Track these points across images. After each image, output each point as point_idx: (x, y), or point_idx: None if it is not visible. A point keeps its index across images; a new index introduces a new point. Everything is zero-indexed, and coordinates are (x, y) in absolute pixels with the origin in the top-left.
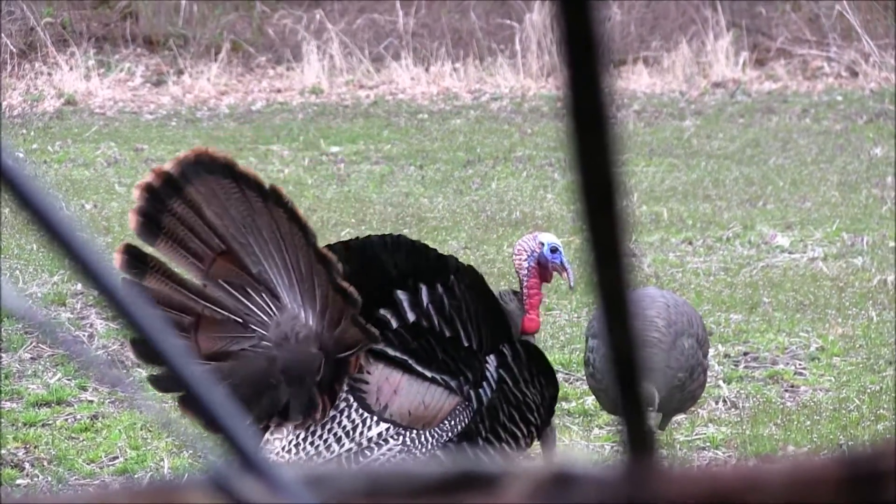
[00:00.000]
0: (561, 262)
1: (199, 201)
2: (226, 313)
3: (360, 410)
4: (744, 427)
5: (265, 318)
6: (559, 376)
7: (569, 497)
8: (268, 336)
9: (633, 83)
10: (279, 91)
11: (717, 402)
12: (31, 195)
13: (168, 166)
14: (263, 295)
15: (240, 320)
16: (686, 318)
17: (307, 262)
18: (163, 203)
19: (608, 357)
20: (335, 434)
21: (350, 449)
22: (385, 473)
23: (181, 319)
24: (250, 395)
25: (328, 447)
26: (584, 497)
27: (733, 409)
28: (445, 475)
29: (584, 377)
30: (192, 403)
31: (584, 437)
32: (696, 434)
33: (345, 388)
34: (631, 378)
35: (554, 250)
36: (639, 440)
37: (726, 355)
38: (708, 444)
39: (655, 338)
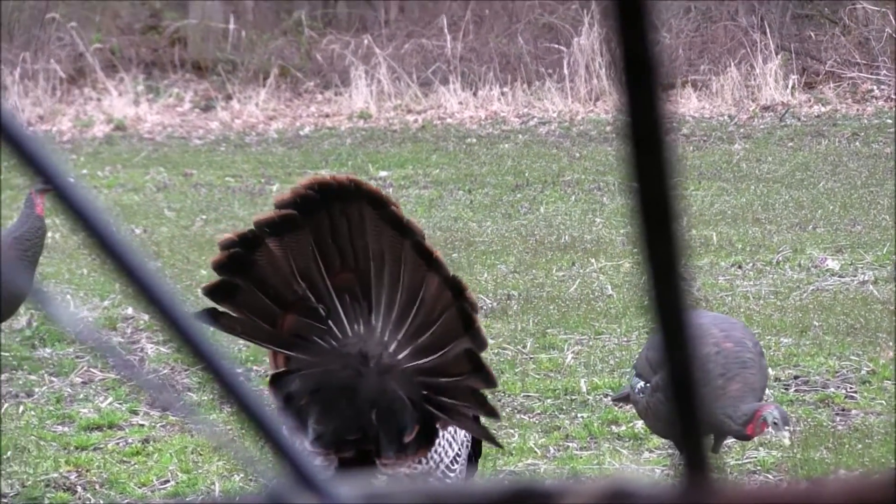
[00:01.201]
0: None
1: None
2: (315, 304)
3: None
4: (795, 451)
5: (350, 333)
6: (607, 400)
7: None
8: (349, 352)
9: (682, 107)
10: (327, 116)
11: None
12: (88, 217)
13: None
14: (355, 310)
15: (323, 327)
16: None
17: (417, 283)
18: (308, 210)
19: (667, 379)
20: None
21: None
22: (443, 491)
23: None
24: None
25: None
26: None
27: (755, 437)
28: (504, 492)
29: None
30: (247, 420)
31: (634, 461)
32: (747, 457)
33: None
34: (689, 399)
35: None
36: (696, 461)
37: (777, 379)
38: (759, 467)
39: (749, 358)
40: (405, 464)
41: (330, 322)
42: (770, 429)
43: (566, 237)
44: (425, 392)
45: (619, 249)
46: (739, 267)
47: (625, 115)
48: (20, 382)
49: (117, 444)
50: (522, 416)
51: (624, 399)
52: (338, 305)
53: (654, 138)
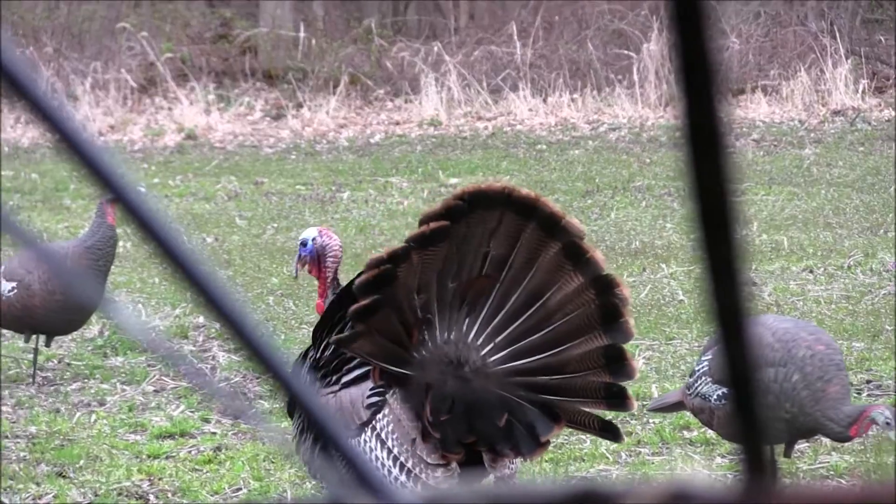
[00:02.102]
0: (308, 253)
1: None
2: (428, 316)
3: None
4: (867, 455)
5: (440, 340)
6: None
7: None
8: (447, 359)
9: (752, 112)
10: (398, 123)
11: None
12: (155, 227)
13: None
14: (455, 317)
15: (426, 337)
16: None
17: (544, 284)
18: (457, 217)
19: (727, 381)
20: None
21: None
22: (506, 493)
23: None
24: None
25: None
26: None
27: (857, 438)
28: (566, 494)
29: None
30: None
31: (706, 466)
32: (820, 462)
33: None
34: (749, 402)
35: (303, 244)
36: (757, 462)
37: (850, 383)
38: (832, 472)
39: (841, 360)
40: (514, 463)
41: (433, 329)
42: (880, 429)
43: (637, 243)
44: (533, 392)
45: (689, 255)
46: (811, 271)
47: (684, 120)
48: (92, 391)
49: (189, 452)
50: None
51: (667, 408)
52: (446, 314)
53: (714, 143)
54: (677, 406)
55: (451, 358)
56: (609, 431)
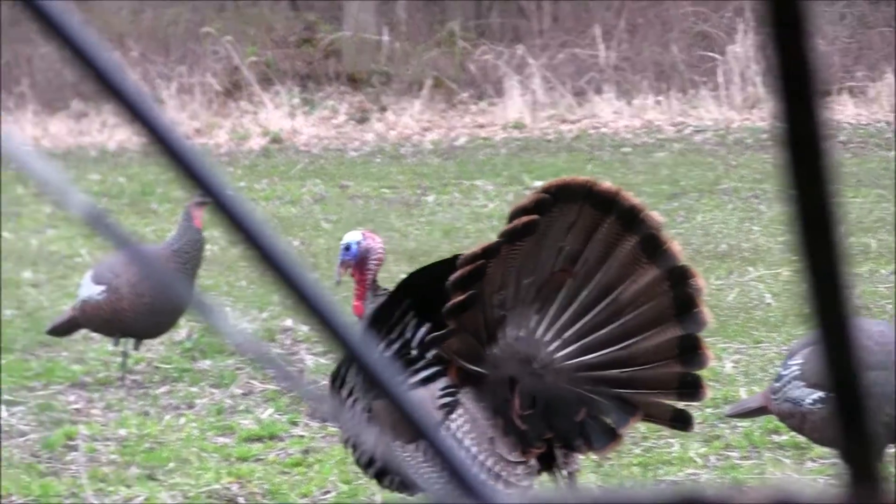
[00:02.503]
0: (352, 256)
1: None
2: (505, 312)
3: None
4: None
5: (509, 336)
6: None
7: None
8: (505, 356)
9: (839, 114)
10: (482, 126)
11: None
12: (249, 229)
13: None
14: (528, 314)
15: (496, 335)
16: None
17: (618, 277)
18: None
19: (830, 385)
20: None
21: None
22: (606, 497)
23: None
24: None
25: None
26: None
27: None
28: (669, 498)
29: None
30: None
31: (797, 471)
32: None
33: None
34: (855, 407)
35: (347, 248)
36: (863, 467)
37: None
38: None
39: None
40: (599, 454)
41: (506, 328)
42: None
43: (723, 246)
44: (604, 385)
45: (777, 257)
46: None
47: (782, 122)
48: (181, 394)
49: (278, 455)
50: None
51: (749, 413)
52: (518, 311)
53: (813, 146)
54: (759, 411)
55: (521, 355)
56: (680, 420)
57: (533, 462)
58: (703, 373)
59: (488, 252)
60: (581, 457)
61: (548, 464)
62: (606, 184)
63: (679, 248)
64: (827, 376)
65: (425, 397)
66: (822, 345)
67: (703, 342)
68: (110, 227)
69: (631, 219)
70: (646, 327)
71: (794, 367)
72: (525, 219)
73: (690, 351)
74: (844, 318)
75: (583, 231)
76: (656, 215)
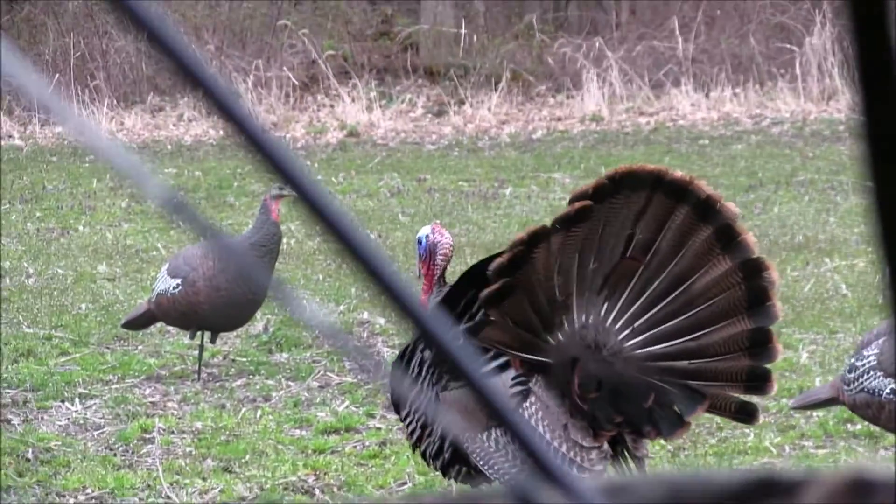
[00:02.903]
0: (423, 250)
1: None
2: (562, 298)
3: None
4: None
5: (577, 323)
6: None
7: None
8: (572, 341)
9: None
10: (559, 119)
11: None
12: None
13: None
14: (592, 301)
15: (561, 320)
16: None
17: (691, 268)
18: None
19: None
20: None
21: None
22: (684, 481)
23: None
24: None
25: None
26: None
27: None
28: (745, 481)
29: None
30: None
31: (871, 459)
32: None
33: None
34: None
35: (419, 242)
36: None
37: None
38: None
39: None
40: (668, 440)
41: (572, 314)
42: None
43: (800, 237)
44: (673, 375)
45: (853, 248)
46: None
47: (861, 114)
48: (257, 387)
49: (354, 447)
50: None
51: (817, 405)
52: (584, 297)
53: (892, 138)
54: (829, 402)
55: (588, 342)
56: (746, 413)
57: (605, 447)
58: (778, 363)
59: (535, 238)
60: (649, 443)
61: (618, 449)
62: (679, 173)
63: (754, 239)
64: None
65: (500, 386)
66: None
67: (774, 336)
68: (192, 215)
69: (706, 209)
70: (717, 319)
71: (871, 357)
72: (578, 205)
73: (761, 344)
74: None
75: (655, 219)
76: (732, 206)
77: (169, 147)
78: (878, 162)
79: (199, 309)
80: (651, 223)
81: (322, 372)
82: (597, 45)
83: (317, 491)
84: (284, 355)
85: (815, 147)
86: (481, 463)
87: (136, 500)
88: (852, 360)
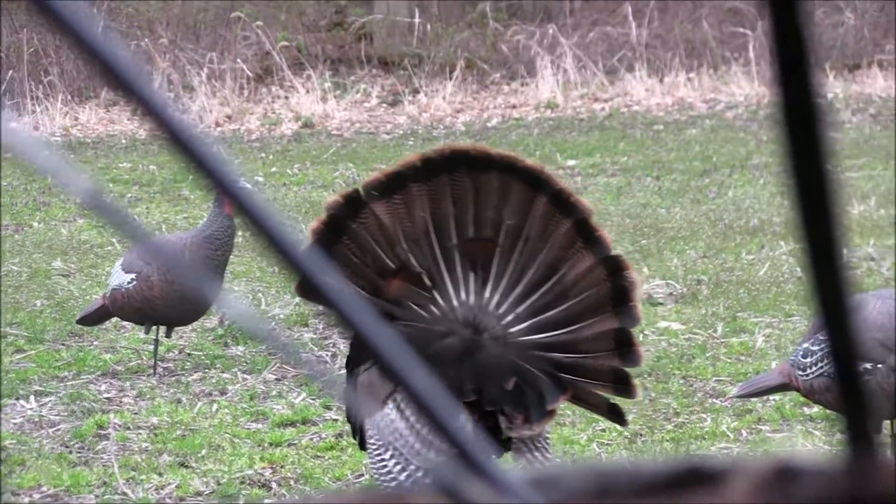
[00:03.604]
0: None
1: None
2: (420, 271)
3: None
4: None
5: (456, 302)
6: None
7: (794, 492)
8: (454, 320)
9: (869, 87)
10: (514, 107)
11: None
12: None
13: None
14: (468, 279)
15: (427, 295)
16: None
17: (560, 260)
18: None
19: (830, 356)
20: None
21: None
22: (613, 472)
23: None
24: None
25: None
26: (809, 492)
27: None
28: (673, 472)
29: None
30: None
31: (828, 443)
32: None
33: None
34: (851, 374)
35: None
36: (862, 436)
37: None
38: None
39: None
40: (529, 428)
41: (434, 290)
42: None
43: (755, 220)
44: (547, 365)
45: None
46: None
47: (779, 98)
48: (213, 381)
49: (311, 439)
50: (714, 400)
51: (765, 392)
52: (445, 274)
53: (809, 122)
54: (779, 389)
55: (467, 321)
56: (615, 414)
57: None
58: (734, 347)
59: (350, 201)
60: (532, 427)
61: (492, 431)
62: (530, 161)
63: (609, 237)
64: (828, 349)
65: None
66: (822, 318)
67: (635, 339)
68: (115, 213)
69: (562, 202)
70: (587, 314)
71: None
72: (389, 170)
73: (626, 345)
74: (842, 291)
75: (519, 206)
76: (585, 201)
77: (124, 141)
78: (795, 146)
79: (153, 303)
80: (516, 210)
81: (278, 364)
82: (550, 32)
83: (273, 484)
84: (240, 348)
85: (770, 130)
86: (371, 450)
87: (91, 497)
88: (806, 344)
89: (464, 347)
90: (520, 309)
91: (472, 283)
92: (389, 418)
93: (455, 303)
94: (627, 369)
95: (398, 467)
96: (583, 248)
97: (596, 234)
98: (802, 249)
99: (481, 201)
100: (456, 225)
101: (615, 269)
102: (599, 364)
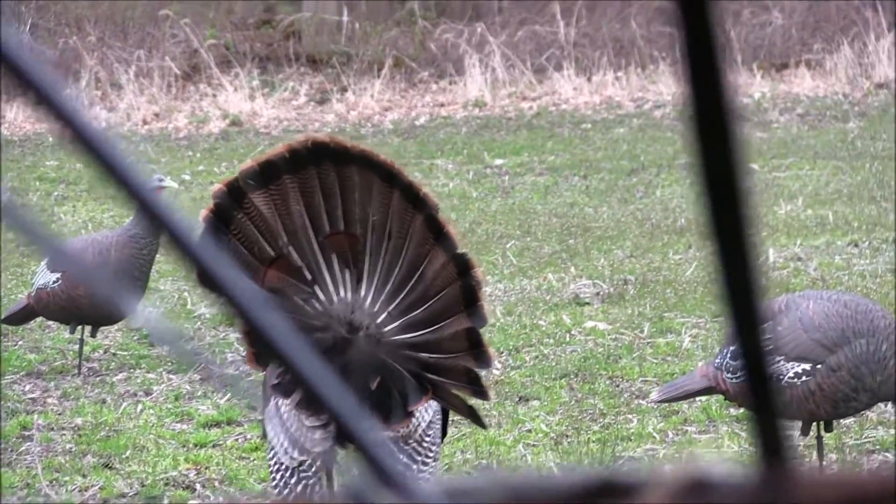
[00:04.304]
0: None
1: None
2: (301, 264)
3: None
4: None
5: (336, 299)
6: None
7: (707, 502)
8: (332, 316)
9: (796, 86)
10: (442, 105)
11: (886, 405)
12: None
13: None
14: (344, 276)
15: (308, 289)
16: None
17: (420, 257)
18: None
19: (741, 362)
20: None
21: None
22: (525, 483)
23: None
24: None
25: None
26: (722, 502)
27: None
28: (586, 483)
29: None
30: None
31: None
32: (866, 437)
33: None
34: (763, 382)
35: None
36: (774, 445)
37: None
38: (878, 446)
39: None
40: (390, 428)
41: (315, 285)
42: None
43: (682, 220)
44: (415, 365)
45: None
46: (856, 245)
47: (689, 99)
48: (138, 381)
49: (236, 440)
50: (640, 401)
51: (689, 396)
52: (323, 268)
53: (720, 124)
54: (703, 392)
55: (344, 319)
56: (474, 416)
57: (332, 427)
58: (661, 348)
59: (232, 190)
60: (394, 426)
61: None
62: (382, 156)
63: (456, 233)
64: (740, 355)
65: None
66: (732, 322)
67: (484, 340)
68: (22, 219)
69: (414, 196)
70: (446, 314)
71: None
72: (261, 158)
73: (477, 346)
74: (753, 295)
75: (380, 202)
76: (432, 196)
77: (50, 139)
78: (705, 146)
79: (78, 303)
80: (378, 205)
81: (203, 365)
82: (479, 30)
83: (198, 485)
84: (166, 348)
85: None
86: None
87: (14, 499)
88: (735, 346)
89: (335, 344)
90: (391, 307)
91: (349, 279)
92: (272, 413)
93: (335, 299)
94: (481, 370)
95: (280, 461)
96: (435, 245)
97: (444, 230)
98: (713, 251)
99: (347, 196)
100: (329, 219)
101: (464, 267)
102: (457, 364)
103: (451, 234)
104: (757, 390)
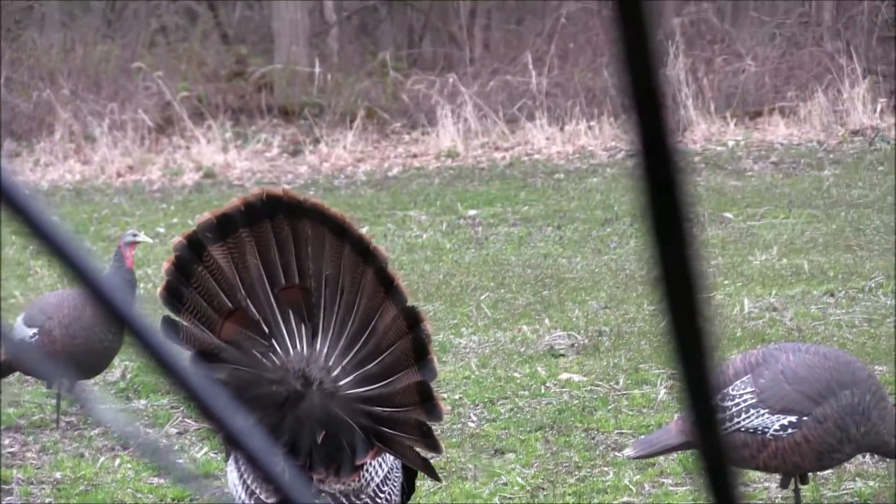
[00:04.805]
0: None
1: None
2: (258, 317)
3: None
4: (893, 480)
5: (292, 352)
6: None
7: None
8: (288, 370)
9: (770, 134)
10: (415, 156)
11: (864, 456)
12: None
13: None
14: (300, 329)
15: (265, 343)
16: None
17: (372, 310)
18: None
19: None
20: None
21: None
22: None
23: (214, 308)
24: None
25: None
26: None
27: (881, 463)
28: None
29: None
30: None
31: None
32: (844, 489)
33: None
34: (713, 437)
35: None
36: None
37: None
38: (856, 498)
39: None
40: (340, 482)
41: (272, 338)
42: None
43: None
44: (367, 419)
45: (710, 281)
46: (832, 295)
47: (635, 146)
48: (115, 435)
49: (213, 494)
50: (616, 453)
51: (668, 451)
52: (280, 322)
53: (665, 169)
54: (681, 447)
55: (300, 373)
56: (428, 470)
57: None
58: (636, 399)
59: (191, 242)
60: (342, 480)
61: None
62: (334, 210)
63: (405, 286)
64: (689, 414)
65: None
66: (681, 376)
67: (435, 393)
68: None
69: (364, 249)
70: (398, 367)
71: (746, 396)
72: (218, 213)
73: (428, 400)
74: (703, 351)
75: (332, 256)
76: (382, 249)
77: (26, 192)
78: (655, 198)
79: (56, 358)
80: (330, 259)
81: (180, 418)
82: (451, 80)
83: None
84: (142, 402)
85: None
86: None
87: None
88: (684, 402)
89: (287, 398)
90: (344, 361)
91: (304, 333)
92: (231, 465)
93: (291, 352)
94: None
95: None
96: (386, 298)
97: (394, 282)
98: (661, 306)
99: (301, 250)
100: (284, 273)
101: (413, 320)
102: (409, 418)
103: (400, 286)
104: (707, 449)
